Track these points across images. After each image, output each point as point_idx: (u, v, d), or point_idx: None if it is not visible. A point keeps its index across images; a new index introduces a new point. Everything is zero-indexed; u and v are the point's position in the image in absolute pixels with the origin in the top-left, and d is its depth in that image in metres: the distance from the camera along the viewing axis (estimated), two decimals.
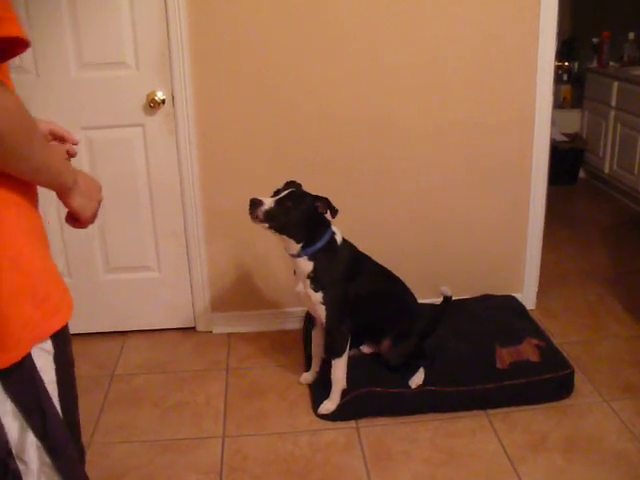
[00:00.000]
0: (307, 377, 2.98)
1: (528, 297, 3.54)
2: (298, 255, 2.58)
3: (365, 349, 3.00)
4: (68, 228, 3.14)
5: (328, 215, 2.54)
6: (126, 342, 3.41)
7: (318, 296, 2.62)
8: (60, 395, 1.35)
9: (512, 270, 3.52)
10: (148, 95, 3.06)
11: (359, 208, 3.28)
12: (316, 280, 2.60)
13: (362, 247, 2.76)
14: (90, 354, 3.30)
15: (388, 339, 2.83)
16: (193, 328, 3.50)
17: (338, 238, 2.65)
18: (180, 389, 3.00)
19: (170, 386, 3.03)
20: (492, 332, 3.06)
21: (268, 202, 2.45)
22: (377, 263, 2.82)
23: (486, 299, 3.43)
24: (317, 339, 2.91)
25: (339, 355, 2.71)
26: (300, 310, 3.34)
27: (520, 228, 3.43)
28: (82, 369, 3.13)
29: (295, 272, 2.69)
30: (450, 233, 3.41)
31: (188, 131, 3.13)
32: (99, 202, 1.43)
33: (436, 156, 3.29)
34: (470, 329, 3.10)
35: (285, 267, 3.21)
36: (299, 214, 2.49)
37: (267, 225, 2.47)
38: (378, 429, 2.69)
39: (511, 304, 3.40)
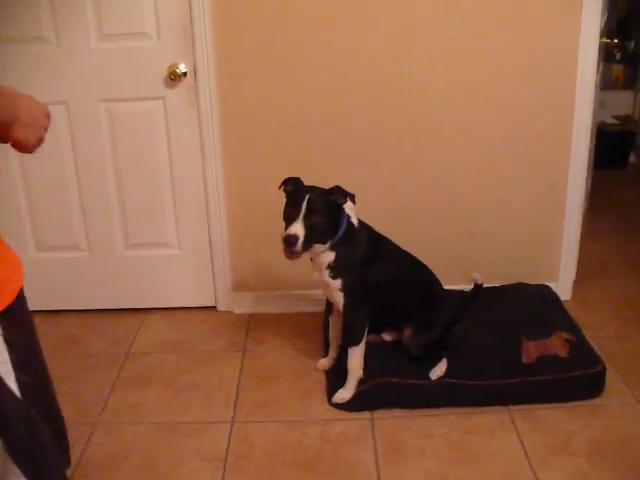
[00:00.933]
0: (324, 363, 2.88)
1: (563, 287, 3.36)
2: (322, 252, 2.47)
3: (386, 336, 2.88)
4: (88, 203, 3.17)
5: (348, 203, 2.41)
6: (145, 320, 3.35)
7: (337, 283, 2.50)
8: (18, 378, 1.26)
9: (547, 258, 3.34)
10: (169, 67, 2.96)
11: (386, 190, 3.15)
12: (335, 268, 2.49)
13: (389, 232, 2.64)
14: (107, 331, 3.26)
15: (410, 328, 2.70)
16: (214, 307, 3.42)
17: (354, 220, 2.52)
18: (194, 370, 2.93)
19: (184, 366, 2.96)
20: (520, 323, 2.90)
21: (300, 231, 2.30)
22: (398, 247, 2.68)
23: (518, 288, 3.25)
24: (335, 325, 2.80)
25: (356, 343, 2.59)
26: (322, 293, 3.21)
27: (557, 214, 3.24)
28: (98, 346, 3.11)
29: (312, 259, 2.57)
30: (483, 217, 3.24)
31: (210, 105, 3.02)
32: (45, 128, 1.37)
33: (469, 137, 3.12)
34: (498, 319, 2.95)
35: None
36: (326, 221, 2.37)
37: (303, 252, 2.36)
38: (393, 421, 2.57)
39: (544, 294, 3.22)
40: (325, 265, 2.49)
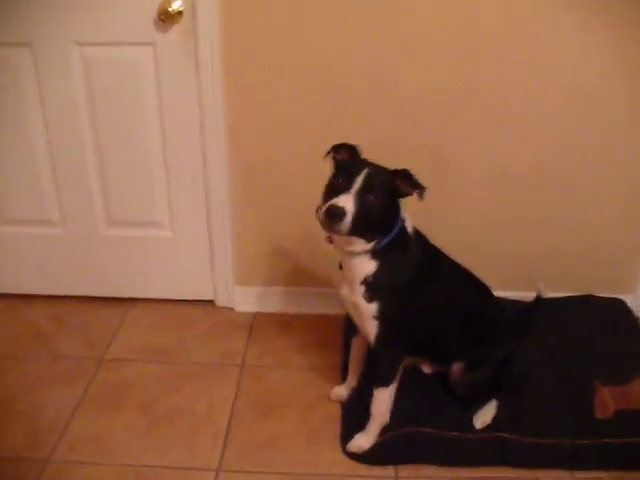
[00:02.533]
0: (340, 393, 2.30)
1: None
2: (358, 253, 1.83)
3: (425, 368, 2.31)
4: (61, 170, 2.57)
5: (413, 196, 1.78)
6: (129, 312, 2.78)
7: (371, 308, 1.88)
8: None
9: (622, 265, 2.69)
10: (160, 5, 2.30)
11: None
12: (373, 286, 1.86)
13: (440, 236, 2.03)
14: (82, 326, 2.71)
15: (461, 362, 2.12)
16: (212, 302, 2.84)
17: (409, 227, 1.89)
18: (178, 389, 2.37)
19: (167, 384, 2.40)
20: (592, 358, 2.32)
21: (349, 206, 1.68)
22: (456, 263, 2.07)
23: (586, 301, 2.63)
24: (358, 348, 2.22)
25: (385, 384, 2.01)
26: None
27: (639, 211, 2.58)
28: (68, 346, 2.59)
29: (341, 267, 1.95)
30: (546, 213, 2.59)
31: (211, 54, 2.36)
32: None
33: (533, 129, 2.44)
34: (563, 351, 2.34)
35: None
36: (381, 208, 1.76)
37: (347, 235, 1.75)
38: None
39: (618, 311, 2.60)
40: (360, 278, 1.86)
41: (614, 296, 2.68)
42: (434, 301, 1.94)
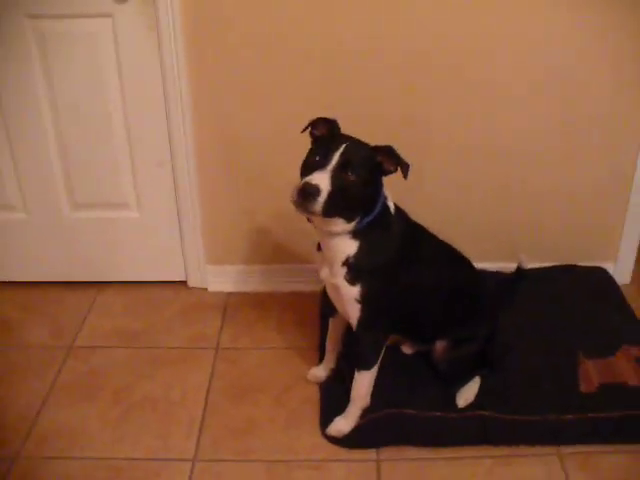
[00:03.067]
0: (317, 373, 2.24)
1: (622, 269, 2.67)
2: (339, 234, 1.74)
3: (406, 348, 2.24)
4: (19, 151, 2.45)
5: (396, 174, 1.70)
6: (98, 297, 2.69)
7: (354, 291, 1.80)
8: None
9: (604, 234, 2.64)
10: None
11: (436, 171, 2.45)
12: (355, 268, 1.77)
13: (419, 210, 1.95)
14: (50, 312, 2.61)
15: (445, 340, 2.06)
16: (184, 283, 2.75)
17: (390, 204, 1.81)
18: (151, 376, 2.29)
19: (139, 370, 2.32)
20: (575, 329, 2.26)
21: (324, 184, 1.59)
22: (439, 239, 1.99)
23: (568, 271, 2.58)
24: (336, 329, 2.15)
25: (367, 367, 1.94)
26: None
27: (620, 180, 2.52)
28: (36, 334, 2.51)
29: (320, 248, 1.87)
30: (525, 183, 2.52)
31: (173, 24, 2.24)
32: None
33: (515, 100, 2.37)
34: (545, 323, 2.29)
35: None
36: (362, 187, 1.66)
37: (322, 217, 1.65)
38: (406, 466, 1.96)
39: (600, 280, 2.55)
40: (341, 259, 1.78)
41: (596, 265, 2.62)
42: (418, 280, 1.87)
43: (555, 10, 2.20)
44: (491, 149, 2.43)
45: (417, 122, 2.38)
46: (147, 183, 2.55)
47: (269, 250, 2.65)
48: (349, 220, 1.71)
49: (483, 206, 2.56)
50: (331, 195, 1.59)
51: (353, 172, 1.63)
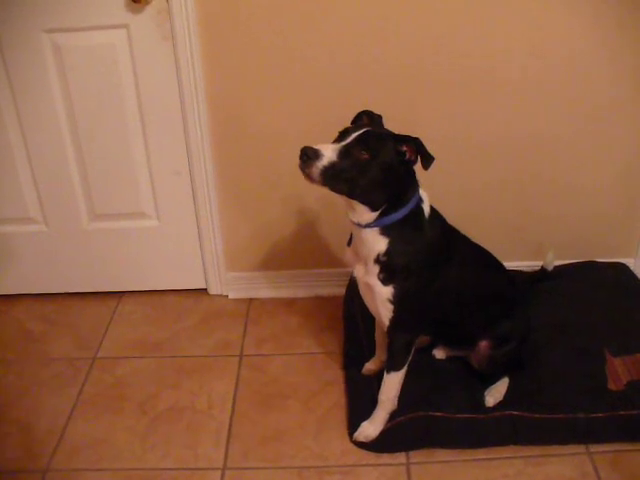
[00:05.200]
0: (370, 367, 2.23)
1: None
2: (367, 225, 1.74)
3: (439, 353, 2.23)
4: (38, 165, 2.45)
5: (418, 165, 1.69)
6: (119, 307, 2.69)
7: (386, 291, 1.79)
8: None
9: (624, 229, 2.62)
10: None
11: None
12: (388, 267, 1.77)
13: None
14: (72, 324, 2.62)
15: (487, 340, 2.03)
16: (205, 290, 2.74)
17: (425, 207, 1.79)
18: (176, 386, 2.29)
19: (164, 380, 2.32)
20: (600, 327, 2.24)
21: (328, 153, 1.60)
22: (473, 242, 1.98)
23: (590, 268, 2.56)
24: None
25: (397, 368, 1.93)
26: (344, 271, 2.53)
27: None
28: (59, 347, 2.53)
29: (351, 242, 1.87)
30: (543, 180, 2.51)
31: (188, 33, 2.25)
32: None
33: (527, 94, 2.35)
34: (569, 322, 2.26)
35: (327, 211, 2.47)
36: (378, 169, 1.65)
37: (328, 188, 1.65)
38: (436, 468, 1.95)
39: (622, 276, 2.53)
40: (373, 256, 1.77)
41: (616, 260, 2.61)
42: (452, 283, 1.85)
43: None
44: (506, 146, 2.42)
45: (431, 119, 2.36)
46: (166, 192, 2.55)
47: (289, 256, 2.65)
48: (371, 207, 1.70)
49: (499, 204, 2.55)
50: (336, 166, 1.60)
51: (368, 151, 1.63)
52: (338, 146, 1.63)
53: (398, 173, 1.70)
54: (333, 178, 1.61)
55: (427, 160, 1.65)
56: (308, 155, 1.59)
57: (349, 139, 1.64)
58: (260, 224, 2.60)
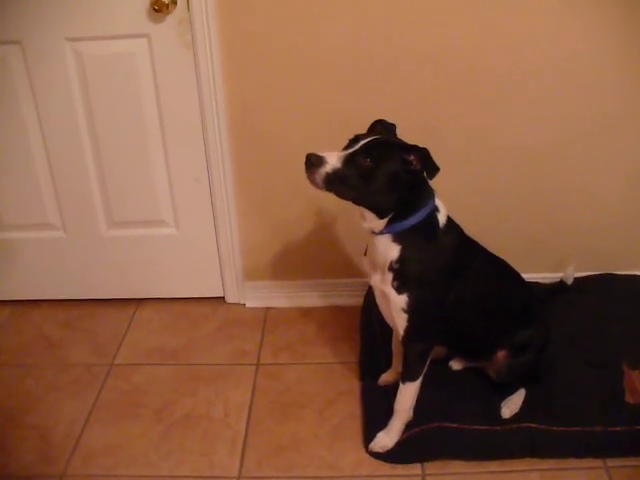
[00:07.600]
0: (386, 378, 2.22)
1: None
2: (379, 232, 1.76)
3: (455, 365, 2.22)
4: (58, 171, 2.48)
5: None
6: (137, 313, 2.71)
7: (400, 300, 1.79)
8: None
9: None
10: None
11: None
12: (402, 275, 1.77)
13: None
14: (90, 330, 2.63)
15: (504, 349, 2.02)
16: (222, 299, 2.75)
17: (441, 217, 1.79)
18: (192, 393, 2.29)
19: (181, 386, 2.32)
20: (618, 341, 2.21)
21: (332, 160, 1.64)
22: (490, 253, 1.98)
23: (605, 280, 2.54)
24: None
25: (413, 378, 1.93)
26: (360, 281, 2.52)
27: None
28: (77, 353, 2.51)
29: (367, 252, 1.88)
30: (558, 190, 2.49)
31: (209, 42, 2.26)
32: None
33: (542, 103, 2.33)
34: (587, 334, 2.25)
35: (345, 221, 2.47)
36: (383, 177, 1.67)
37: (333, 193, 1.69)
38: None
39: (639, 287, 2.50)
40: (386, 263, 1.78)
41: (633, 273, 2.58)
42: (467, 291, 1.85)
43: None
44: (521, 156, 2.41)
45: (446, 129, 2.36)
46: (184, 200, 2.57)
47: (307, 265, 2.65)
48: (378, 214, 1.72)
49: (514, 215, 2.53)
50: (339, 173, 1.63)
51: (372, 159, 1.65)
52: (343, 153, 1.66)
53: (404, 181, 1.70)
54: (337, 184, 1.65)
55: (432, 171, 1.66)
56: (312, 162, 1.63)
57: (356, 146, 1.68)
58: (278, 233, 2.61)
